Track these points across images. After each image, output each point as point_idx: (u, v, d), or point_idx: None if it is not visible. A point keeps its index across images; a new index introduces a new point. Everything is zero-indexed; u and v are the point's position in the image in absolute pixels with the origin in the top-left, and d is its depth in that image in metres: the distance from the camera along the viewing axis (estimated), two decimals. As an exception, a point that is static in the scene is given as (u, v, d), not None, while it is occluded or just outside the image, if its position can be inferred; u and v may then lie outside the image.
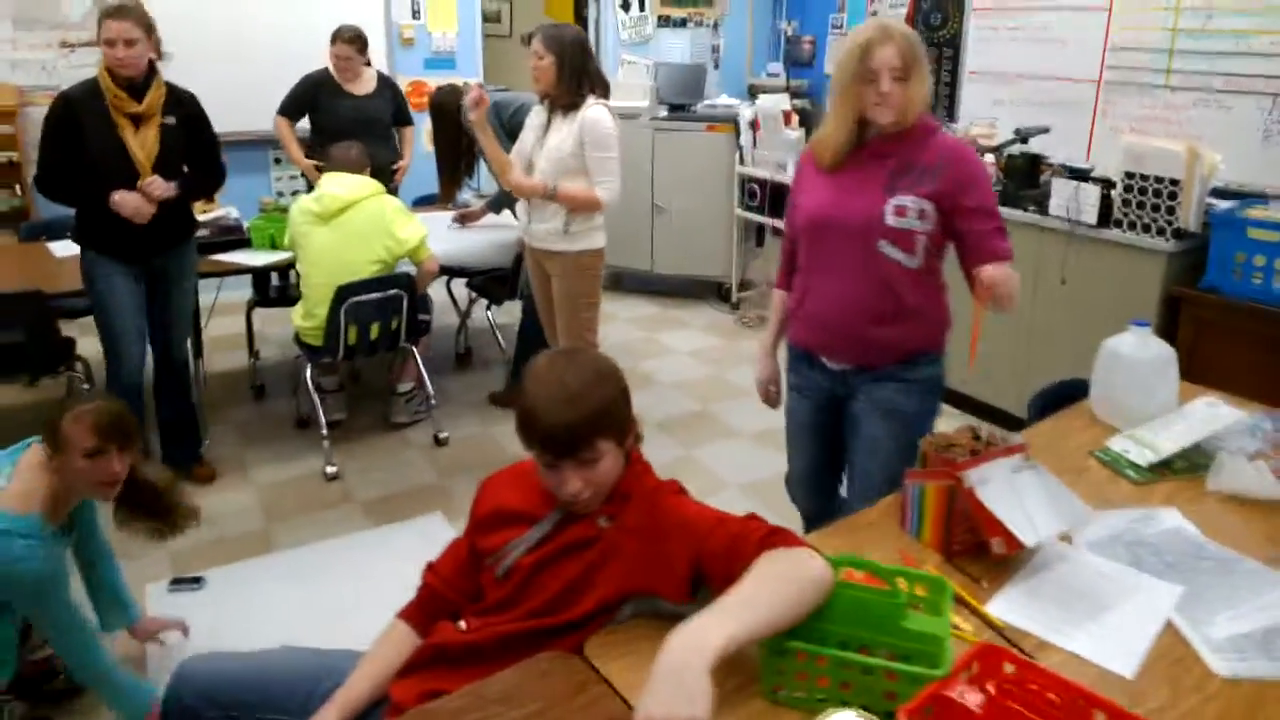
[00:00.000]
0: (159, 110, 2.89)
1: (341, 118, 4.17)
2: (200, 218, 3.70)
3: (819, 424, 2.15)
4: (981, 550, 1.49)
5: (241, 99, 4.46)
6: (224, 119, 4.86)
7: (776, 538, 1.22)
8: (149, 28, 2.82)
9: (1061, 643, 1.31)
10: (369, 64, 4.35)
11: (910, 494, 1.58)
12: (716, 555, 1.24)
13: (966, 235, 1.91)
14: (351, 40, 4.13)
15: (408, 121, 4.53)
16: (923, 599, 1.25)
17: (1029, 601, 1.41)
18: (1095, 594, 1.42)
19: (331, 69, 4.20)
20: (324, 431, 3.37)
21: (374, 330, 3.32)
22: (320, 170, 4.22)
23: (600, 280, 3.17)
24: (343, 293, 3.16)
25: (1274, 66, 3.84)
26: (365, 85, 4.28)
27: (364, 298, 3.21)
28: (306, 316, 3.30)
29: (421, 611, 1.47)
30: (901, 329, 1.95)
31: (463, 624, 1.39)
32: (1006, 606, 1.39)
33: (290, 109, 4.28)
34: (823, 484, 2.25)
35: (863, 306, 1.94)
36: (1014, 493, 1.49)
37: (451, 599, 1.46)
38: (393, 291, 3.28)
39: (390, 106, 4.37)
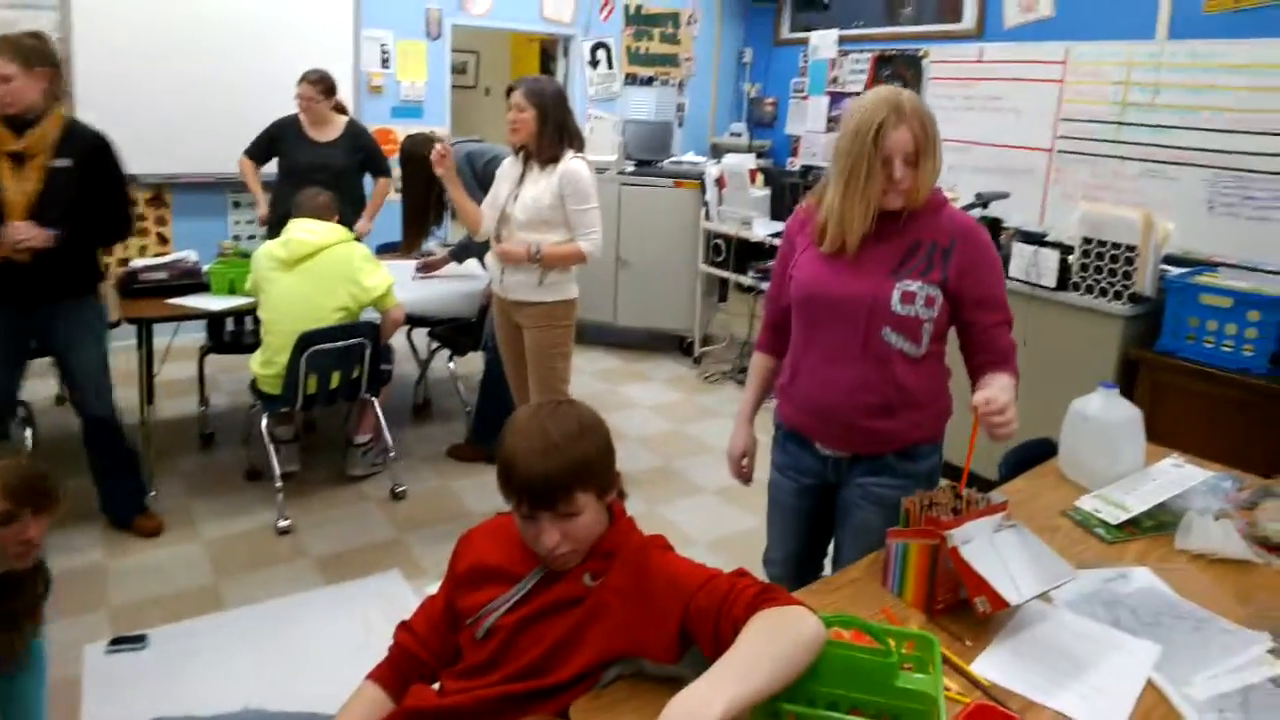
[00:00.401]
0: (48, 150, 2.68)
1: (297, 163, 4.14)
2: (156, 260, 3.63)
3: (805, 508, 1.97)
4: (963, 609, 1.48)
5: (202, 141, 4.41)
6: (183, 160, 4.88)
7: (768, 596, 1.19)
8: (31, 61, 2.62)
9: (1048, 702, 1.30)
10: (342, 111, 4.32)
11: (893, 552, 1.56)
12: (706, 613, 1.20)
13: (972, 327, 1.80)
14: (315, 82, 4.08)
15: (382, 172, 4.42)
16: (911, 657, 1.23)
17: (1013, 660, 1.39)
18: (1077, 653, 1.41)
19: (299, 111, 4.18)
20: (278, 484, 3.26)
21: (335, 379, 3.24)
22: (270, 214, 4.19)
23: (572, 331, 3.15)
24: (305, 340, 3.09)
25: (1216, 141, 4.03)
26: (329, 132, 4.22)
27: (326, 346, 3.14)
28: (266, 364, 3.22)
29: (394, 672, 1.40)
30: (901, 421, 1.80)
31: (438, 687, 1.33)
32: (991, 665, 1.38)
33: (254, 150, 4.25)
34: (803, 569, 2.05)
35: (860, 396, 1.79)
36: (996, 552, 1.48)
37: (425, 659, 1.40)
38: (355, 340, 3.22)
39: (354, 156, 4.28)
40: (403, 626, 1.44)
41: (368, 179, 4.44)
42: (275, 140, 4.20)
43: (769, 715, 1.11)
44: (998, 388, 1.71)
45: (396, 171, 4.28)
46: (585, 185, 2.91)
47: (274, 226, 4.19)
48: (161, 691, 2.33)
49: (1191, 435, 2.90)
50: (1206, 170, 4.10)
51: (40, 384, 4.28)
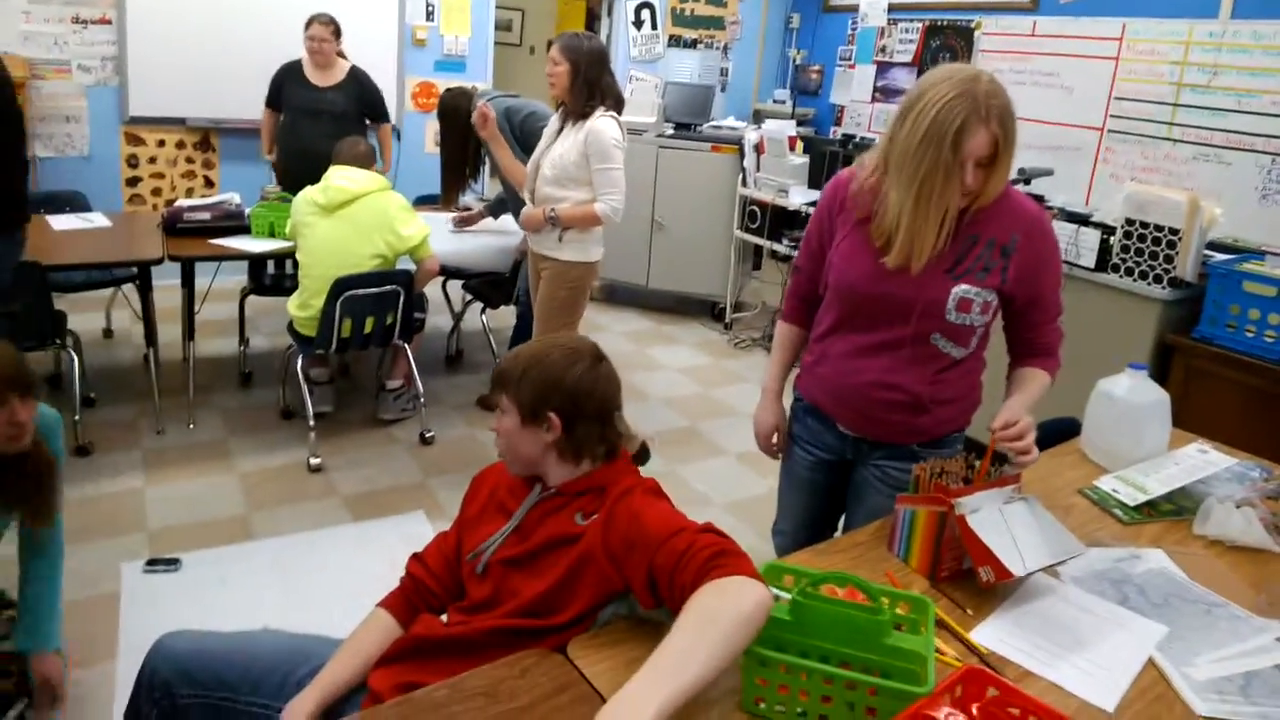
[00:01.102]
0: None
1: (296, 107, 4.24)
2: (200, 201, 3.71)
3: (820, 483, 1.89)
4: (968, 578, 1.49)
5: (248, 88, 4.47)
6: (230, 106, 4.94)
7: (718, 561, 1.17)
8: None
9: (1044, 672, 1.31)
10: (344, 56, 4.38)
11: (901, 517, 1.58)
12: (663, 572, 1.22)
13: (1020, 322, 1.72)
14: (327, 23, 4.18)
15: (381, 118, 4.49)
16: (905, 619, 1.25)
17: (1014, 630, 1.40)
18: (1080, 628, 1.42)
19: (305, 55, 4.25)
20: (310, 423, 3.35)
21: (368, 324, 3.31)
22: (281, 159, 4.30)
23: (584, 294, 3.15)
24: (340, 285, 3.15)
25: (1274, 126, 3.91)
26: (332, 77, 4.30)
27: (361, 291, 3.20)
28: (302, 307, 3.29)
29: (404, 601, 1.46)
30: (930, 418, 1.71)
31: (445, 619, 1.38)
32: (991, 634, 1.39)
33: (270, 99, 4.38)
34: (811, 543, 1.92)
35: (891, 394, 1.69)
36: (1005, 523, 1.49)
37: (435, 590, 1.45)
38: (389, 287, 3.27)
39: (355, 101, 4.34)
40: (415, 558, 1.50)
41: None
42: (280, 85, 4.30)
43: (760, 664, 1.14)
44: (1020, 405, 1.62)
45: (417, 122, 4.30)
46: (607, 144, 2.90)
47: (281, 170, 4.27)
48: (191, 610, 2.44)
49: (1225, 424, 2.86)
50: (1263, 156, 3.99)
51: (90, 317, 4.42)
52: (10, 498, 1.86)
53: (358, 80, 4.37)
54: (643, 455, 3.04)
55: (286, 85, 4.29)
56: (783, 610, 1.22)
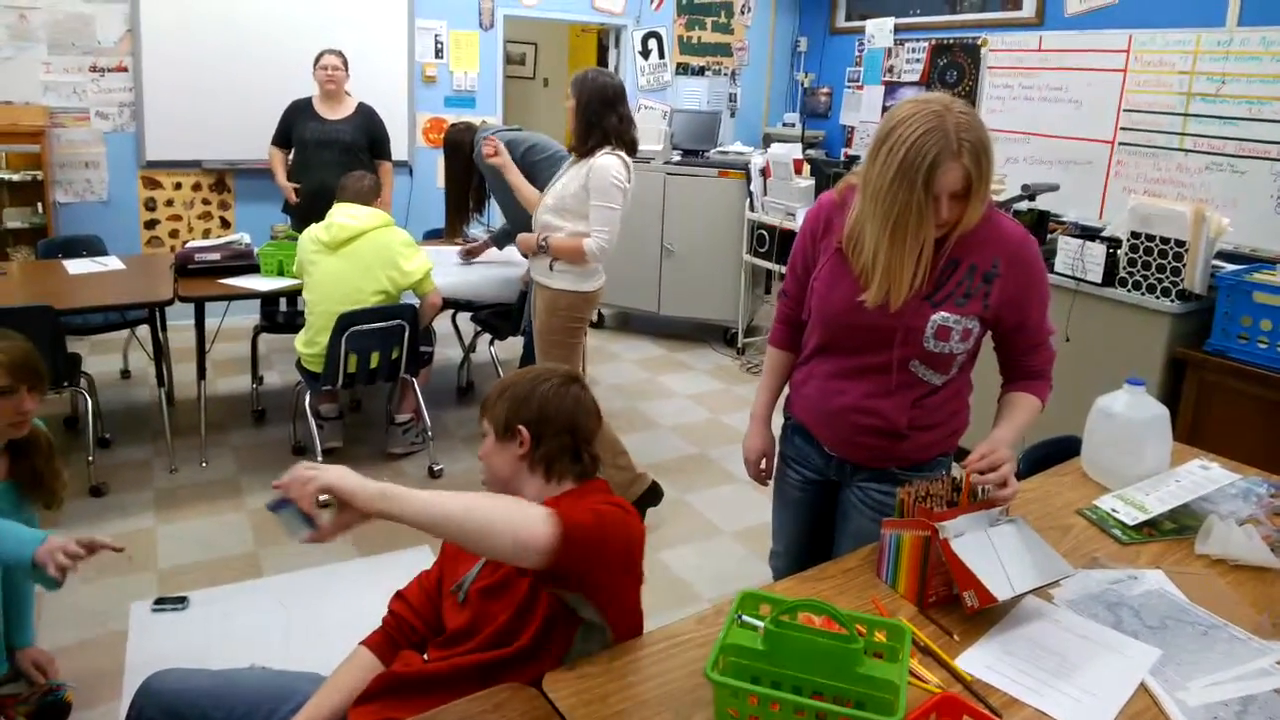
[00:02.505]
0: None
1: (308, 140, 4.34)
2: (210, 242, 3.78)
3: (809, 501, 1.89)
4: (956, 603, 1.46)
5: (262, 129, 4.56)
6: (245, 148, 5.05)
7: (559, 507, 1.23)
8: None
9: (1030, 699, 1.28)
10: (348, 93, 4.49)
11: (887, 543, 1.55)
12: None
13: (1006, 348, 1.71)
14: (337, 54, 4.33)
15: (384, 155, 4.57)
16: (883, 646, 1.23)
17: (1001, 656, 1.37)
18: (1069, 652, 1.39)
19: (317, 89, 4.36)
20: (319, 459, 3.38)
21: (374, 359, 3.34)
22: (297, 193, 4.36)
23: (578, 323, 3.14)
24: (344, 321, 3.18)
25: (1286, 133, 3.85)
26: (341, 110, 4.42)
27: (366, 327, 3.24)
28: (309, 344, 3.33)
29: (385, 639, 1.47)
30: (912, 443, 1.69)
31: (425, 656, 1.38)
32: (977, 660, 1.36)
33: (277, 138, 4.48)
34: (805, 564, 1.85)
35: (875, 418, 1.67)
36: (990, 546, 1.46)
37: (416, 626, 1.46)
38: (395, 322, 3.31)
39: (363, 134, 4.45)
40: (397, 596, 1.51)
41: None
42: (290, 122, 4.41)
43: (731, 696, 1.12)
44: (1002, 436, 1.60)
45: (429, 158, 4.36)
46: (606, 182, 2.89)
47: (297, 206, 4.35)
48: (196, 649, 2.45)
49: (1241, 438, 2.81)
50: (1276, 164, 3.92)
51: (108, 359, 4.50)
52: (27, 483, 2.07)
53: (365, 114, 4.48)
54: (654, 496, 3.03)
55: (297, 121, 4.39)
56: (756, 640, 1.20)
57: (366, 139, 4.45)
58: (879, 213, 1.50)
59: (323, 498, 1.13)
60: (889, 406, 1.67)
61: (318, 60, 4.32)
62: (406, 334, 3.36)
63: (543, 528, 1.17)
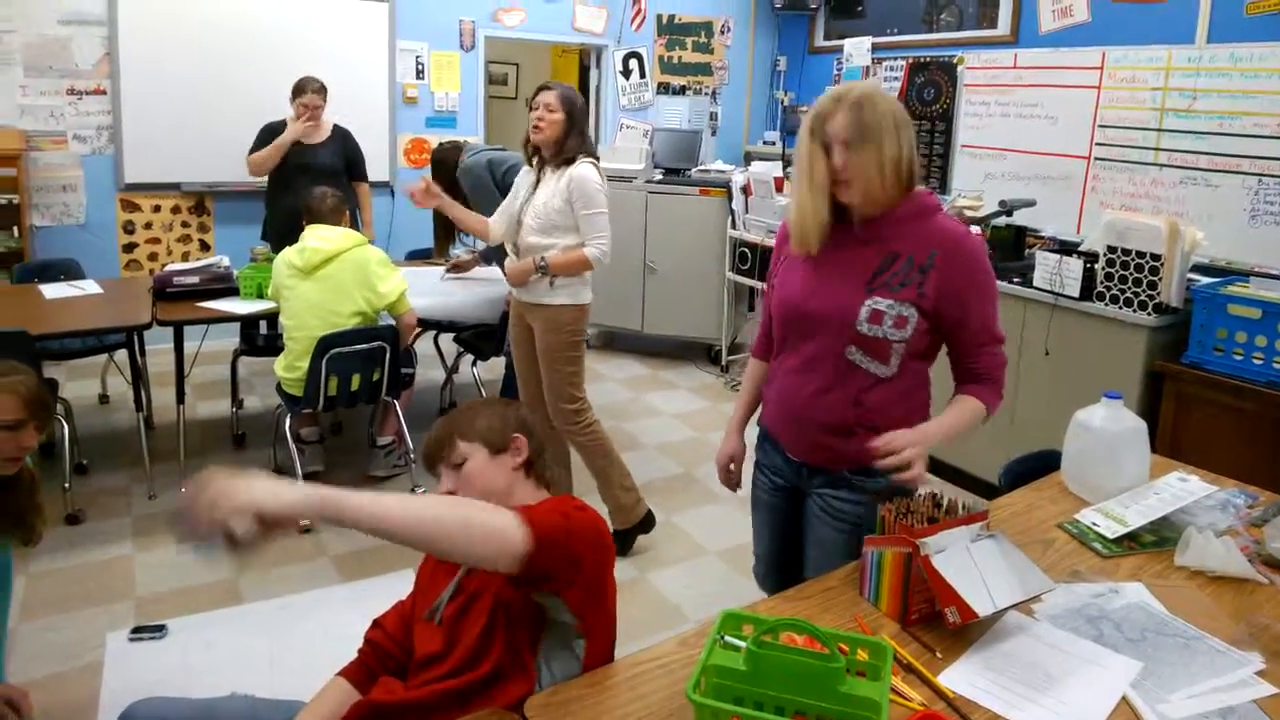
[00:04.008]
0: None
1: (284, 164, 4.31)
2: (189, 265, 3.76)
3: (780, 507, 1.94)
4: (939, 620, 1.46)
5: (241, 151, 4.54)
6: (224, 170, 5.03)
7: (526, 509, 1.22)
8: None
9: (1012, 714, 1.28)
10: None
11: (869, 560, 1.55)
12: None
13: (952, 346, 1.75)
14: (320, 90, 4.31)
15: (360, 177, 4.57)
16: (865, 664, 1.22)
17: (983, 672, 1.37)
18: (1051, 667, 1.39)
19: (294, 120, 4.33)
20: (298, 484, 3.33)
21: (355, 381, 3.32)
22: (273, 217, 4.38)
23: (582, 336, 3.16)
24: (325, 344, 3.16)
25: (1257, 147, 3.91)
26: (319, 134, 4.41)
27: (346, 349, 3.22)
28: (289, 369, 3.31)
29: (362, 668, 1.45)
30: (857, 443, 1.69)
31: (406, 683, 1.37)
32: (960, 677, 1.36)
33: (256, 149, 4.41)
34: (783, 569, 1.99)
35: (823, 414, 1.74)
36: (971, 562, 1.46)
37: (394, 653, 1.44)
38: (375, 344, 3.29)
39: (341, 158, 4.44)
40: (374, 625, 1.49)
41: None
42: (266, 144, 4.34)
43: (713, 717, 1.12)
44: (922, 430, 1.66)
45: (410, 179, 4.32)
46: (592, 190, 2.93)
47: (271, 229, 4.33)
48: (175, 678, 2.40)
49: (1218, 450, 2.84)
50: (1249, 178, 3.98)
51: (87, 384, 4.46)
52: (8, 521, 2.00)
53: (341, 137, 4.48)
54: (648, 523, 3.03)
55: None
56: (738, 660, 1.20)
57: (344, 162, 4.44)
58: (795, 170, 1.71)
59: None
60: (835, 398, 1.73)
61: (298, 92, 4.29)
62: (387, 355, 3.34)
63: (516, 529, 1.16)
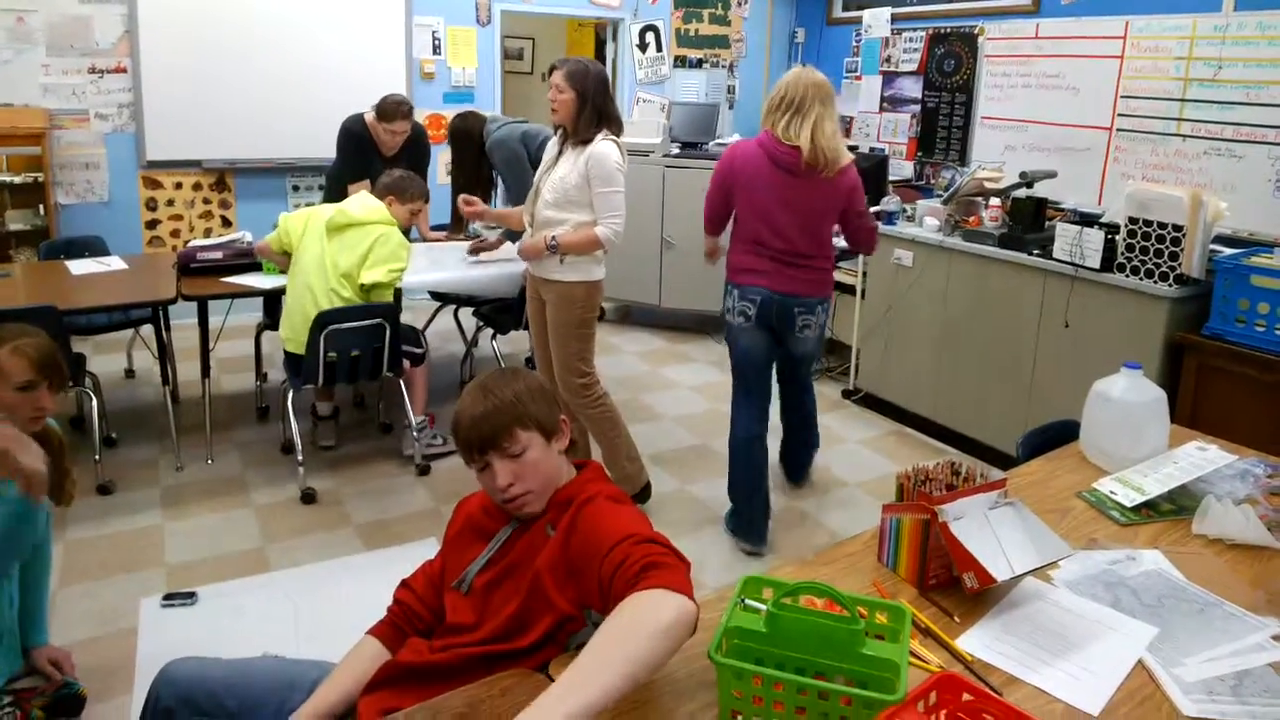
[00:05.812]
0: None
1: (372, 180, 4.17)
2: (212, 241, 3.80)
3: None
4: (956, 585, 1.48)
5: (261, 128, 4.58)
6: (244, 146, 5.07)
7: (649, 575, 1.17)
8: None
9: (1029, 677, 1.30)
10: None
11: (887, 526, 1.57)
12: (604, 580, 1.23)
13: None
14: (409, 114, 4.03)
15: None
16: (884, 628, 1.25)
17: (1001, 636, 1.39)
18: (1068, 632, 1.41)
19: (380, 140, 4.06)
20: (299, 456, 3.39)
21: (356, 362, 3.33)
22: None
23: (594, 312, 3.16)
24: (322, 320, 3.18)
25: (1283, 117, 3.86)
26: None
27: (344, 325, 3.22)
28: (292, 330, 3.33)
29: (392, 628, 1.48)
30: None
31: (432, 645, 1.40)
32: (977, 641, 1.38)
33: (351, 176, 4.09)
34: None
35: None
36: (989, 528, 1.48)
37: (422, 614, 1.47)
38: (374, 320, 3.29)
39: (410, 162, 4.16)
40: (403, 584, 1.52)
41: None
42: (359, 156, 4.08)
43: (735, 677, 1.14)
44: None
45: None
46: (609, 167, 2.92)
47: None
48: (206, 643, 2.47)
49: (1240, 421, 2.83)
50: (1274, 148, 3.93)
51: (113, 358, 4.53)
52: None
53: (417, 140, 4.23)
54: (646, 493, 3.08)
55: (372, 160, 4.09)
56: (758, 622, 1.22)
57: (409, 161, 4.13)
58: None
59: None
60: None
61: (386, 117, 3.96)
62: (388, 333, 3.34)
63: (682, 605, 1.13)
